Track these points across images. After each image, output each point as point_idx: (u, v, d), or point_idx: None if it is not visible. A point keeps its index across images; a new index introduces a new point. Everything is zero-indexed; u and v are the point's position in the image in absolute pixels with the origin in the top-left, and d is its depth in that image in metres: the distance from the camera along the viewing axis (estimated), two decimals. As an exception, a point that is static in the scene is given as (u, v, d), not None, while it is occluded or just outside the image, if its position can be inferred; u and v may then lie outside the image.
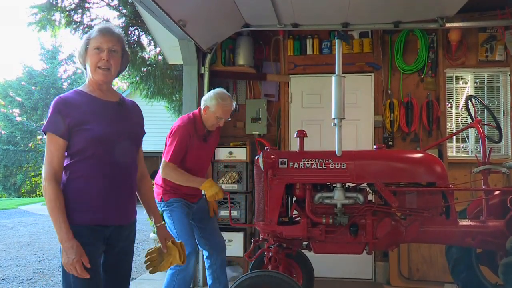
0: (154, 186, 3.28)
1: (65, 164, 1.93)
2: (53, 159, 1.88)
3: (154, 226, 2.24)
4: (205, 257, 3.40)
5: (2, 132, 24.81)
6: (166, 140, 3.23)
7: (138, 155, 2.17)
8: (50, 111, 1.91)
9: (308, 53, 4.92)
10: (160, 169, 3.15)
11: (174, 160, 3.10)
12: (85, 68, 2.03)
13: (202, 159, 3.33)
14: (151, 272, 2.22)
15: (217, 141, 3.50)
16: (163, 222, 2.28)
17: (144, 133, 2.22)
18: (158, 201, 3.22)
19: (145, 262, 2.22)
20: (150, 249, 2.24)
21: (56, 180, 1.87)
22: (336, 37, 2.97)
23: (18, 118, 24.91)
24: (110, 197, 1.95)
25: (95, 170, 1.93)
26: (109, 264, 2.03)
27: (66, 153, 1.93)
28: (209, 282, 3.37)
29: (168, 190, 3.19)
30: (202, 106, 3.26)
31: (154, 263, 2.21)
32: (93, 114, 1.95)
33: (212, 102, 3.19)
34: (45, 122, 1.92)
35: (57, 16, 6.74)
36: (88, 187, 1.92)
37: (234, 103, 3.35)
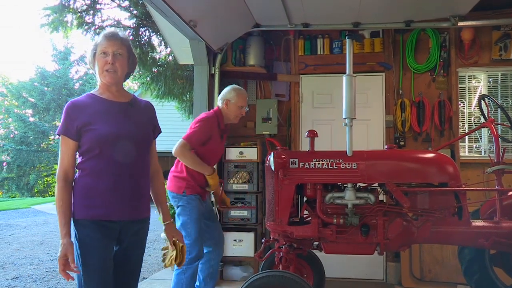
0: (173, 177, 3.37)
1: (78, 163, 2.05)
2: (64, 159, 2.02)
3: (164, 223, 2.29)
4: (205, 252, 3.49)
5: (15, 132, 25.12)
6: (190, 127, 3.36)
7: (150, 153, 2.23)
8: (62, 115, 2.05)
9: (318, 53, 4.90)
10: (175, 148, 3.22)
11: (194, 143, 3.23)
12: (96, 73, 2.12)
13: (215, 156, 3.52)
14: (165, 266, 2.28)
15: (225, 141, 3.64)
16: (172, 220, 2.32)
17: (159, 131, 2.30)
18: (178, 193, 3.30)
19: (162, 256, 2.30)
20: (165, 246, 2.31)
21: (65, 180, 2.00)
22: (347, 37, 2.96)
23: (31, 119, 25.17)
24: (115, 194, 2.02)
25: (101, 167, 2.02)
26: (118, 259, 2.10)
27: (78, 153, 2.05)
28: (202, 275, 3.46)
29: (192, 185, 3.29)
30: (220, 103, 3.45)
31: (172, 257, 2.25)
32: (99, 115, 2.05)
33: (231, 94, 3.42)
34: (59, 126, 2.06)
35: (69, 17, 6.80)
36: (94, 184, 2.01)
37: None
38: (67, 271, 1.92)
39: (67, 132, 2.01)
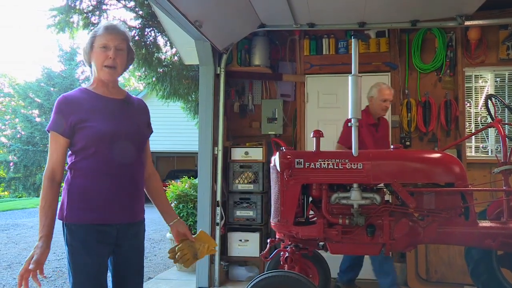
0: None
1: (70, 163, 1.93)
2: (53, 157, 1.88)
3: (170, 223, 2.16)
4: None
5: (22, 132, 25.28)
6: None
7: (145, 153, 2.13)
8: (53, 110, 1.91)
9: (324, 52, 4.90)
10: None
11: (344, 142, 3.71)
12: (90, 66, 2.00)
13: (375, 144, 3.82)
14: (186, 266, 2.16)
15: (387, 131, 4.12)
16: (179, 217, 2.20)
17: (151, 131, 2.19)
18: None
19: (175, 260, 2.15)
20: (173, 247, 2.17)
21: (51, 179, 1.87)
22: (352, 37, 2.95)
23: (38, 119, 25.32)
24: (112, 196, 1.91)
25: (97, 167, 1.90)
26: (119, 263, 2.01)
27: (70, 151, 1.93)
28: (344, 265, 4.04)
29: None
30: (367, 101, 3.88)
31: (187, 256, 2.13)
32: (95, 112, 1.92)
33: (373, 91, 3.84)
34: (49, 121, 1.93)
35: (75, 18, 6.83)
36: (89, 185, 1.89)
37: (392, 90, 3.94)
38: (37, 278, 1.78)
39: (58, 128, 1.87)
